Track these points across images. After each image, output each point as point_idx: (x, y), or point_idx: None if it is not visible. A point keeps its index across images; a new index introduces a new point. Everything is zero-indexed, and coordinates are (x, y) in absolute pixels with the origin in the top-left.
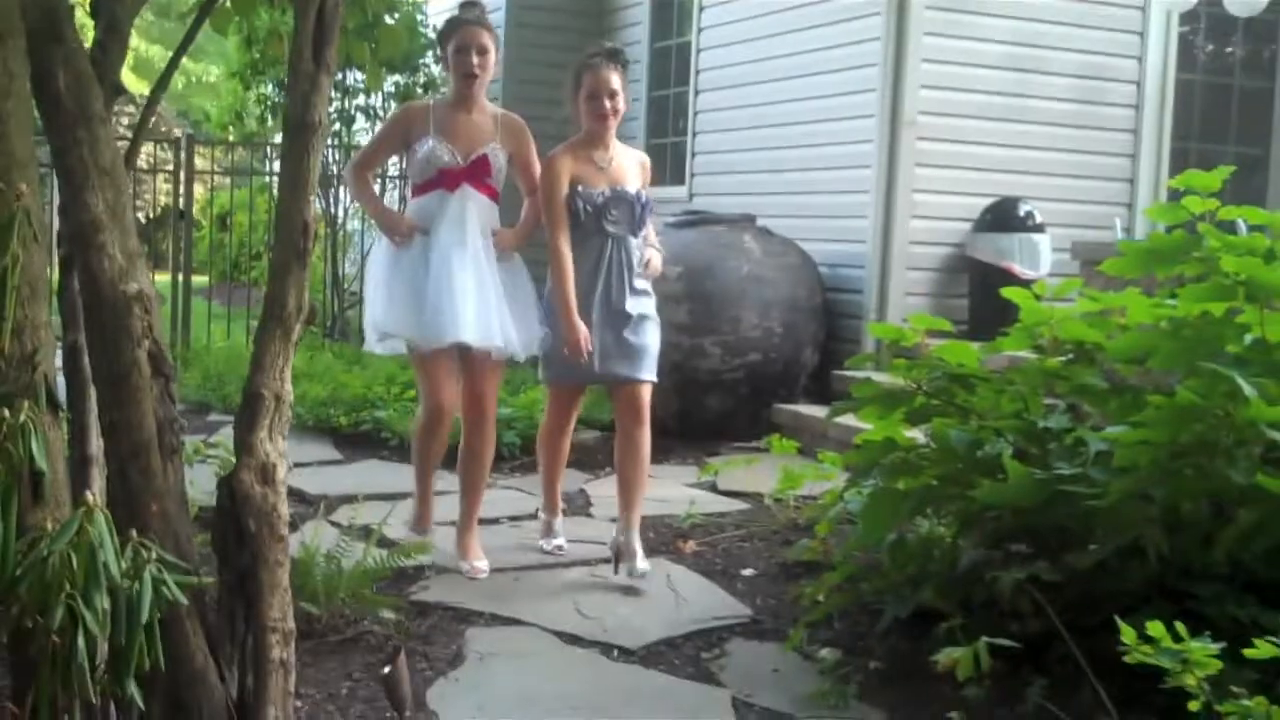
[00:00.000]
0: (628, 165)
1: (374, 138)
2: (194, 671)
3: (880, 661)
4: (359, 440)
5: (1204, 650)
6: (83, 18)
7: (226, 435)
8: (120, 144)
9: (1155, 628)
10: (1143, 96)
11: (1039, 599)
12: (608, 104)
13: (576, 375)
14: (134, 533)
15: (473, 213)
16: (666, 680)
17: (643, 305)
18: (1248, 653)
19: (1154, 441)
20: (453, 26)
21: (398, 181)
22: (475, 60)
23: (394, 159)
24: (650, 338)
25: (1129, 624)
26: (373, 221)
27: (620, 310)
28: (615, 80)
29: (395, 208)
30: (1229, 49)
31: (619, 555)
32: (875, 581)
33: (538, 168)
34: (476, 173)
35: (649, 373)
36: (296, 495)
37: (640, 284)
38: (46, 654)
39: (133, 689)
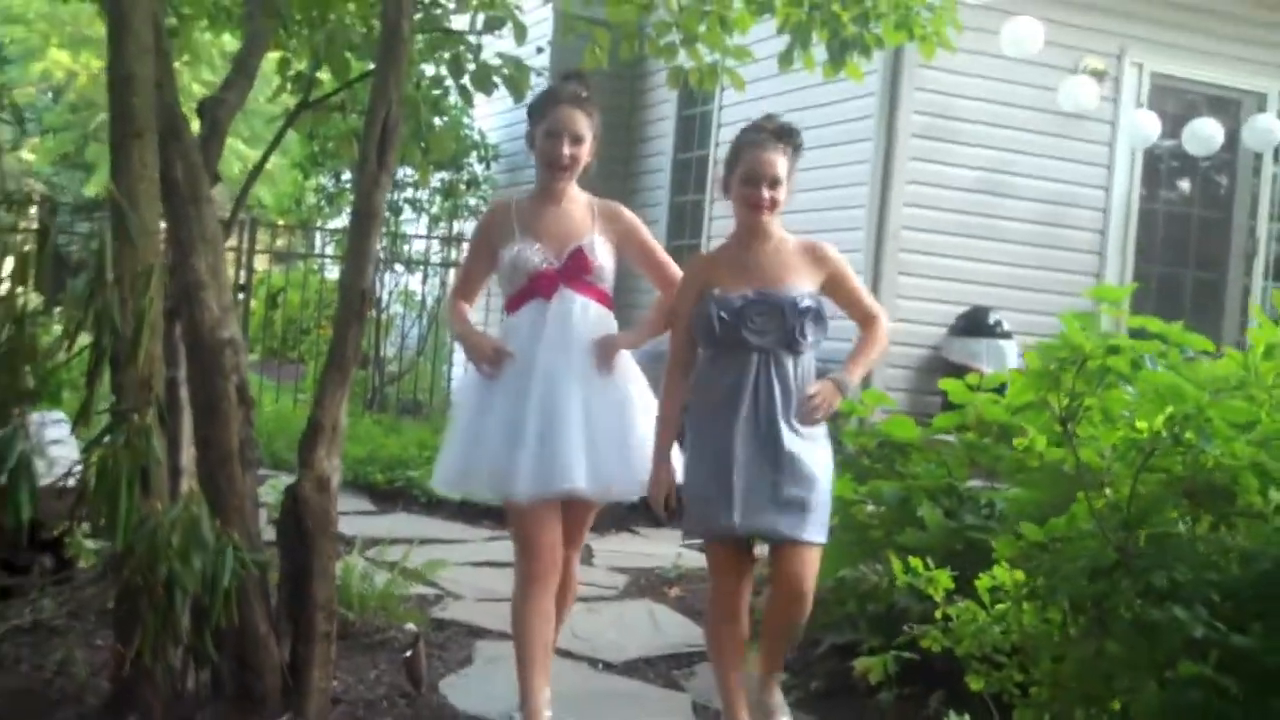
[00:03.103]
0: (789, 263)
1: (464, 260)
2: (258, 636)
3: (819, 681)
4: (392, 495)
5: (944, 574)
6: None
7: (276, 485)
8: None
9: (916, 562)
10: (1108, 222)
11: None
12: (765, 194)
13: (715, 529)
14: (218, 523)
15: (578, 322)
16: (640, 686)
17: (806, 444)
18: (978, 583)
19: (1032, 499)
20: (545, 105)
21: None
22: (566, 151)
23: None
24: (814, 486)
25: None
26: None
27: (775, 447)
28: (780, 165)
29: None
30: (1189, 181)
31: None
32: (821, 617)
33: (664, 255)
34: (574, 271)
35: (812, 532)
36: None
37: (809, 425)
38: (150, 604)
39: (210, 646)
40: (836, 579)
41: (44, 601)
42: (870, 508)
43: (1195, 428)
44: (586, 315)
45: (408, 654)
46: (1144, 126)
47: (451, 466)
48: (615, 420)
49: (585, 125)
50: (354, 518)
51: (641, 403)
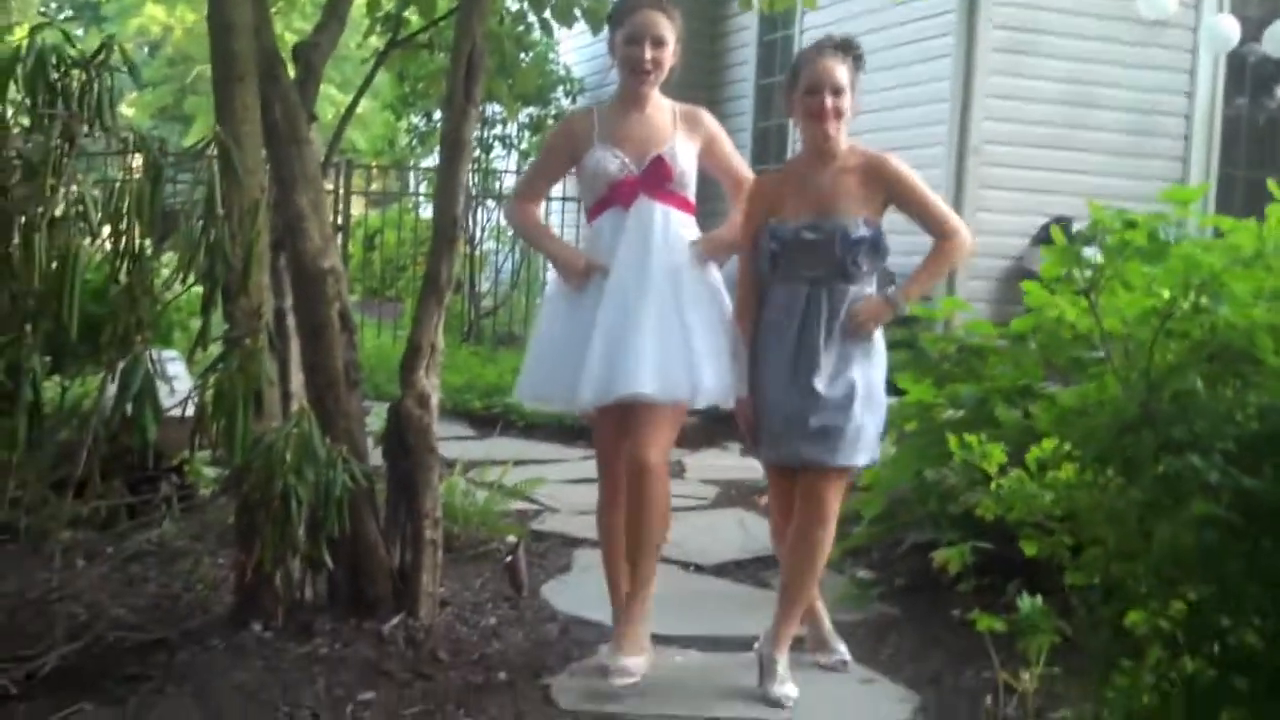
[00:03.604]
0: (849, 187)
1: (534, 162)
2: (369, 545)
3: (902, 578)
4: (490, 421)
5: (997, 449)
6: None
7: (380, 413)
8: None
9: (972, 438)
10: (1192, 128)
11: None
12: (829, 101)
13: (763, 451)
14: (328, 440)
15: (657, 230)
16: (730, 586)
17: (847, 369)
18: (1027, 456)
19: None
20: (624, 10)
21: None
22: (648, 55)
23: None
24: (848, 413)
25: None
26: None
27: (812, 376)
28: (841, 73)
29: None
30: (1275, 84)
31: (761, 668)
32: (903, 516)
33: (740, 164)
34: (654, 179)
35: (837, 455)
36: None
37: (852, 344)
38: (269, 515)
39: (325, 554)
40: (917, 480)
41: (167, 524)
42: (950, 411)
43: (1210, 293)
44: (667, 223)
45: (509, 559)
46: (1224, 31)
47: (529, 376)
48: (690, 327)
49: (666, 27)
50: (454, 442)
51: (722, 314)
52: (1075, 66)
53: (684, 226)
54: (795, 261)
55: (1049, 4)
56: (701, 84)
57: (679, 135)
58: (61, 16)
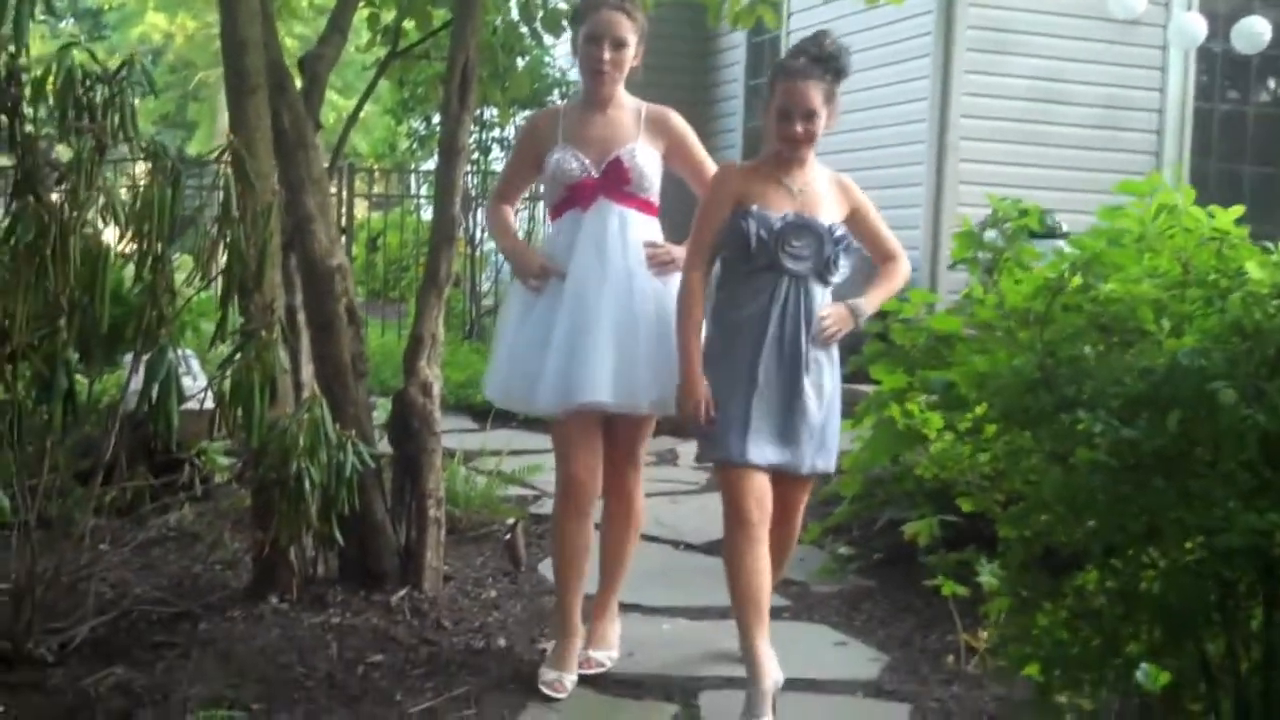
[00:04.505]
0: (823, 193)
1: (507, 161)
2: (377, 523)
3: (879, 553)
4: (492, 414)
5: (936, 417)
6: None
7: (384, 405)
8: None
9: (912, 406)
10: (1164, 123)
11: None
12: (799, 128)
13: (724, 453)
14: (338, 425)
15: (614, 233)
16: (718, 562)
17: (822, 373)
18: (960, 423)
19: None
20: (586, 9)
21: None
22: (607, 55)
23: None
24: (831, 418)
25: None
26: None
27: (797, 377)
28: (815, 97)
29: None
30: (1245, 79)
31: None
32: (881, 495)
33: (710, 165)
34: (612, 182)
35: (822, 462)
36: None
37: (821, 349)
38: (284, 495)
39: (336, 531)
40: (893, 461)
41: (186, 509)
42: (924, 397)
43: (1093, 272)
44: (625, 226)
45: (508, 538)
46: (1192, 28)
47: (493, 377)
48: (648, 333)
49: (628, 28)
50: (458, 434)
51: (670, 319)
52: (1048, 64)
53: (643, 228)
54: (780, 252)
55: (1022, 4)
56: (692, 84)
57: (642, 137)
58: (63, 24)
